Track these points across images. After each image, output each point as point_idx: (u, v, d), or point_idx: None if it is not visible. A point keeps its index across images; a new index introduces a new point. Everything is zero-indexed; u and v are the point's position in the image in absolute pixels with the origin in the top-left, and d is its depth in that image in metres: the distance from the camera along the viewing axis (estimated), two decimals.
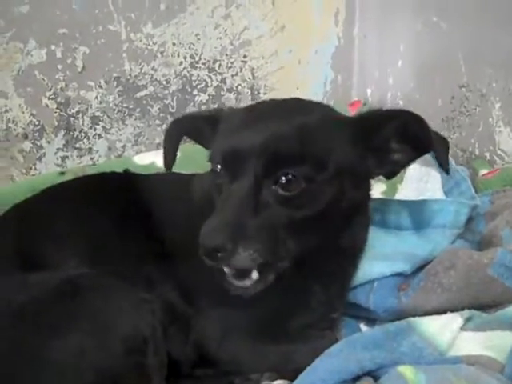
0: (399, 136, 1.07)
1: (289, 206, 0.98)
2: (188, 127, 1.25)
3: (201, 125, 1.19)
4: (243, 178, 0.97)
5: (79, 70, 1.86)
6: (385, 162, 1.10)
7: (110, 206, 1.22)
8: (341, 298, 1.23)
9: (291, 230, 0.99)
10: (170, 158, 1.22)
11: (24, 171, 1.85)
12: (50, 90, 1.83)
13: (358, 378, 0.95)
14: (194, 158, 1.66)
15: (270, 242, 0.97)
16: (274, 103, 1.13)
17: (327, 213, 1.02)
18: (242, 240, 0.93)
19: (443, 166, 1.05)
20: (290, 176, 0.97)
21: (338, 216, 1.07)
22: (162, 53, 1.99)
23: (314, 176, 0.98)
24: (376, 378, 0.95)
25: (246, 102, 2.20)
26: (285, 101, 1.13)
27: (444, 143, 1.06)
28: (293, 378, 0.97)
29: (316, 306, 1.15)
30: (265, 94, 2.22)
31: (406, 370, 0.89)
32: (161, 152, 1.80)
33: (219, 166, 1.02)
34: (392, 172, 1.14)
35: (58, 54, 1.82)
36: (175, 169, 1.56)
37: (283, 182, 0.97)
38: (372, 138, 1.07)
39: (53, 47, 1.81)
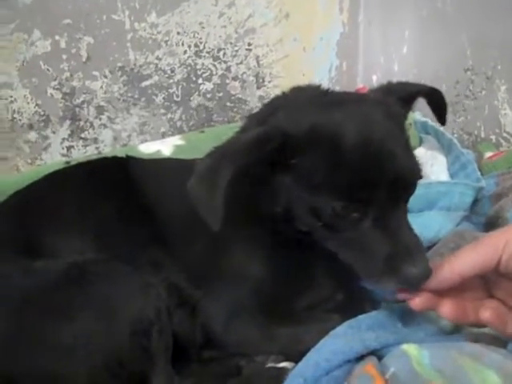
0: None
1: None
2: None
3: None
4: (401, 207, 1.00)
5: (84, 60, 1.86)
6: None
7: (112, 191, 1.22)
8: (346, 279, 1.22)
9: None
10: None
11: (30, 161, 1.85)
12: (55, 80, 1.83)
13: (361, 357, 0.95)
14: (197, 146, 1.67)
15: None
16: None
17: None
18: None
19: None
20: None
21: None
22: (166, 42, 1.99)
23: None
24: (380, 358, 0.95)
25: (252, 90, 2.20)
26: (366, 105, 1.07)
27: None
28: (298, 360, 0.97)
29: (322, 284, 1.15)
30: (270, 81, 2.22)
31: (409, 348, 0.89)
32: (166, 140, 1.84)
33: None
34: None
35: (63, 45, 1.82)
36: (179, 157, 1.57)
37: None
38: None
39: (57, 37, 1.80)
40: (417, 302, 0.93)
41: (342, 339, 0.96)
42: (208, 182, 0.94)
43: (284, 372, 1.02)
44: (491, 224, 1.31)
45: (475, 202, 1.40)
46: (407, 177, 0.98)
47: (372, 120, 1.00)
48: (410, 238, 0.96)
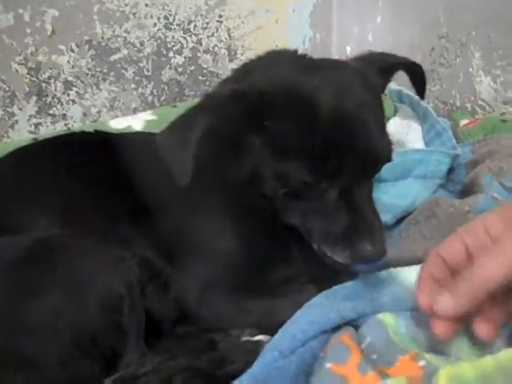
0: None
1: None
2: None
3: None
4: (368, 181, 0.99)
5: (49, 33, 1.80)
6: None
7: (81, 165, 1.18)
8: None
9: None
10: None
11: None
12: (20, 55, 1.77)
13: (338, 328, 0.94)
14: (169, 121, 1.63)
15: None
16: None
17: None
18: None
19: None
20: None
21: None
22: (134, 14, 1.93)
23: None
24: (357, 328, 0.93)
25: (224, 63, 2.16)
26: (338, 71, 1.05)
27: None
28: (274, 332, 0.95)
29: (297, 257, 1.13)
30: (242, 54, 2.18)
31: (385, 317, 0.88)
32: (137, 116, 1.79)
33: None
34: None
35: (26, 18, 1.76)
36: (151, 131, 1.53)
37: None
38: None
39: (20, 10, 1.74)
40: (440, 332, 0.80)
41: (317, 309, 0.94)
42: (180, 132, 0.93)
43: (259, 345, 1.00)
44: (467, 191, 1.30)
45: (451, 169, 1.39)
46: (378, 151, 0.97)
47: (349, 89, 0.98)
48: (371, 216, 0.96)
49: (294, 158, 0.94)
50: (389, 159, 1.01)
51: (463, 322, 0.81)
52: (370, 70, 1.07)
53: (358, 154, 0.93)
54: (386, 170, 1.33)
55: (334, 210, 0.96)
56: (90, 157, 1.21)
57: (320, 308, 0.95)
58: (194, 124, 0.91)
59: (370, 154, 0.95)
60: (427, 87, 1.77)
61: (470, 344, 0.83)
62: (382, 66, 1.11)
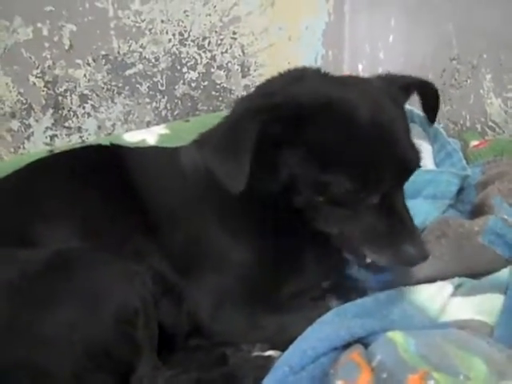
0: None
1: None
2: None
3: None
4: (401, 189, 1.04)
5: (66, 47, 1.83)
6: None
7: (96, 179, 1.20)
8: (333, 267, 1.22)
9: None
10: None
11: (12, 150, 1.83)
12: (37, 68, 1.81)
13: (348, 345, 0.95)
14: (182, 135, 1.66)
15: None
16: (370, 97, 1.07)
17: None
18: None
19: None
20: None
21: None
22: (150, 30, 1.97)
23: None
24: (366, 346, 0.95)
25: (237, 79, 2.18)
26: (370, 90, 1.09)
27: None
28: (284, 348, 0.97)
29: (307, 271, 1.15)
30: (255, 70, 2.21)
31: (395, 335, 0.89)
32: (151, 129, 1.82)
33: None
34: None
35: (45, 32, 1.79)
36: (164, 146, 1.55)
37: None
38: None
39: (39, 25, 1.78)
40: None
41: (328, 327, 0.96)
42: (231, 144, 0.95)
43: (270, 360, 1.01)
44: (477, 212, 1.31)
45: (461, 190, 1.40)
46: (411, 160, 1.03)
47: (382, 103, 1.03)
48: (410, 220, 1.01)
49: (336, 169, 0.97)
50: (419, 166, 1.06)
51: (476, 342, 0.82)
52: (392, 87, 1.11)
53: (395, 163, 0.99)
54: None
55: (375, 216, 1.00)
56: (106, 170, 1.23)
57: (331, 325, 0.96)
58: (246, 133, 0.93)
59: (405, 163, 1.02)
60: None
61: (483, 363, 0.83)
62: (402, 85, 1.14)
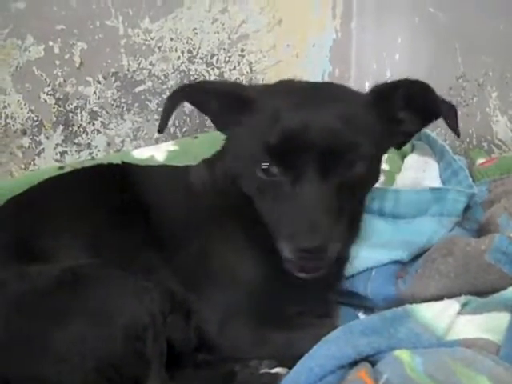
0: (406, 105, 1.10)
1: (350, 195, 1.04)
2: (194, 96, 1.17)
3: (210, 98, 1.14)
4: (312, 177, 1.00)
5: (77, 65, 1.86)
6: (395, 134, 1.14)
7: (106, 196, 1.23)
8: (336, 280, 1.23)
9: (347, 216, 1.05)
10: (163, 121, 1.14)
11: (23, 167, 1.85)
12: (49, 85, 1.83)
13: (355, 363, 0.96)
14: (190, 152, 1.68)
15: (344, 232, 1.04)
16: (309, 89, 1.13)
17: (364, 195, 1.16)
18: (332, 237, 0.98)
19: (454, 129, 1.07)
20: (348, 166, 1.01)
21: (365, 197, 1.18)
22: (159, 48, 1.99)
23: (366, 162, 1.03)
24: (373, 364, 0.95)
25: None
26: (316, 86, 1.17)
27: (451, 107, 1.09)
28: (291, 365, 0.98)
29: (313, 290, 1.15)
30: None
31: (402, 354, 0.90)
32: (159, 146, 1.84)
33: (267, 163, 1.02)
34: (403, 142, 1.19)
35: (56, 50, 1.81)
36: (173, 162, 1.57)
37: (344, 173, 1.01)
38: (385, 111, 1.09)
39: (50, 43, 1.80)
40: None
41: (334, 344, 0.96)
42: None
43: (278, 378, 1.02)
44: (483, 230, 1.31)
45: (467, 208, 1.41)
46: (321, 145, 1.00)
47: (313, 97, 1.06)
48: (314, 212, 0.98)
49: (257, 152, 1.02)
50: (337, 148, 1.01)
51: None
52: (379, 98, 1.10)
53: (304, 147, 0.99)
54: (402, 207, 1.38)
55: (284, 204, 1.01)
56: (116, 188, 1.25)
57: (337, 343, 0.97)
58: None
59: (312, 147, 0.99)
60: (444, 124, 1.81)
61: (489, 381, 0.84)
62: (387, 91, 1.11)
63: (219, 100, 1.12)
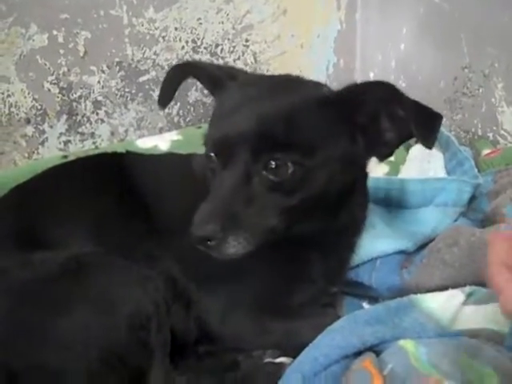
0: (389, 114, 1.00)
1: (279, 191, 0.98)
2: (195, 71, 1.20)
3: (212, 72, 1.17)
4: (233, 166, 0.98)
5: (81, 54, 1.85)
6: (376, 143, 1.04)
7: (109, 185, 1.22)
8: (340, 272, 1.23)
9: (282, 214, 0.99)
10: (166, 96, 1.18)
11: (27, 156, 1.85)
12: (52, 74, 1.83)
13: (359, 353, 0.95)
14: (194, 141, 1.67)
15: (259, 228, 0.98)
16: (264, 81, 1.14)
17: (318, 196, 1.02)
18: (232, 229, 0.95)
19: (423, 138, 0.94)
20: (278, 161, 0.96)
21: (331, 198, 1.05)
22: (163, 37, 1.99)
23: (301, 161, 0.97)
24: (378, 354, 0.95)
25: None
26: (274, 78, 1.18)
27: (428, 114, 0.96)
28: (295, 355, 0.97)
29: (316, 278, 1.15)
30: None
31: (406, 344, 0.90)
32: (163, 135, 1.84)
33: (212, 153, 1.03)
34: (385, 154, 1.07)
35: (60, 39, 1.81)
36: (176, 152, 1.57)
37: (272, 167, 0.97)
38: (356, 116, 1.02)
39: (54, 32, 1.80)
40: None
41: (339, 334, 0.96)
42: None
43: (282, 367, 1.02)
44: (488, 221, 1.31)
45: (472, 198, 1.41)
46: (229, 137, 0.99)
47: (260, 93, 1.03)
48: (213, 201, 0.97)
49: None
50: (244, 141, 0.98)
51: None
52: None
53: (218, 137, 1.01)
54: (407, 197, 1.37)
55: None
56: (119, 177, 1.25)
57: (342, 332, 0.97)
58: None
59: (222, 137, 1.00)
60: (449, 115, 1.81)
61: (494, 372, 0.84)
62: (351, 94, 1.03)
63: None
